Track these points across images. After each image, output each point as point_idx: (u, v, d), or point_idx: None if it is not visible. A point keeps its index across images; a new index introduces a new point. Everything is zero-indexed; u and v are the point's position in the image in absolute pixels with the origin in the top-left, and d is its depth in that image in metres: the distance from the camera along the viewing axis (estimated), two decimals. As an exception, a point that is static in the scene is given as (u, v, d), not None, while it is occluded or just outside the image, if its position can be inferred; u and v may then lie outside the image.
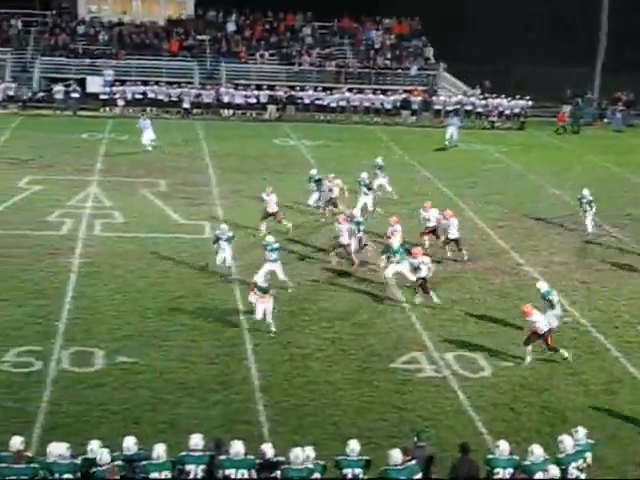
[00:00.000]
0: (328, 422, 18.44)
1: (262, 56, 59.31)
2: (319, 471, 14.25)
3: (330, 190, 31.97)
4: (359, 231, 27.88)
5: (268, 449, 14.52)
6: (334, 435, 17.59)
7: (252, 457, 14.33)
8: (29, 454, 14.33)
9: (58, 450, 13.95)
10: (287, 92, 55.35)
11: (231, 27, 61.58)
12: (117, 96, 53.15)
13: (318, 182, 32.42)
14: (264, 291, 22.51)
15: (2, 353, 20.65)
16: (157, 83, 54.46)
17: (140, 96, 53.85)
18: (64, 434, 16.43)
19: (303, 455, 14.14)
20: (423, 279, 24.61)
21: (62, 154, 40.99)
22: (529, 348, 21.38)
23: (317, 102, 55.44)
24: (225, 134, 48.15)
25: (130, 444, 14.34)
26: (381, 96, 56.01)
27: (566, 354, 21.43)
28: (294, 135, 48.62)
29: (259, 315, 22.41)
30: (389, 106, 55.86)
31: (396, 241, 26.11)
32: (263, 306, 22.43)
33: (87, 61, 56.26)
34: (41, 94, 53.77)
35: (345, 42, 62.21)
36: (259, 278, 22.80)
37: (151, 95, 53.97)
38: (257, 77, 57.42)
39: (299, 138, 47.72)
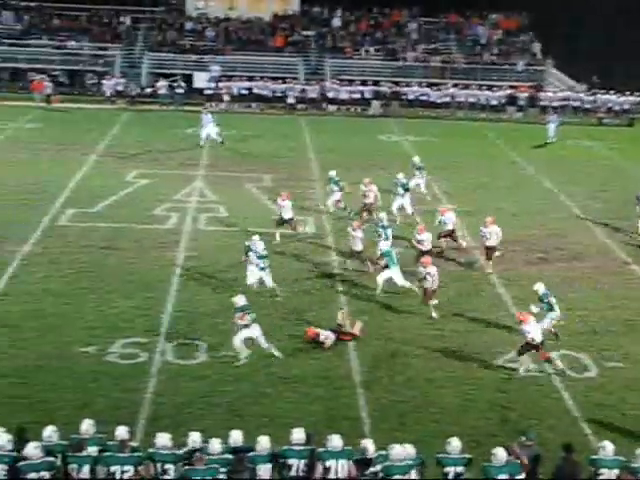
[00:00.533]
0: (429, 419, 18.36)
1: (367, 51, 59.30)
2: (418, 464, 14.13)
3: (365, 195, 31.11)
4: (384, 235, 26.50)
5: (369, 445, 14.49)
6: (435, 433, 17.45)
7: (350, 447, 14.33)
8: (134, 444, 14.54)
9: (162, 441, 14.17)
10: (392, 88, 55.24)
11: (336, 22, 61.74)
12: (223, 91, 53.71)
13: (337, 183, 31.82)
14: (244, 310, 20.46)
15: (109, 344, 21.05)
16: (262, 79, 54.85)
17: (245, 92, 54.39)
18: (167, 425, 16.68)
19: (404, 453, 14.05)
20: (426, 289, 23.61)
21: (168, 148, 41.51)
22: (524, 357, 20.50)
23: (422, 98, 55.27)
24: (329, 129, 48.24)
25: (237, 438, 14.44)
26: (487, 92, 55.63)
27: (560, 365, 20.55)
28: (398, 131, 48.45)
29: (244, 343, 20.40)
30: (495, 102, 55.42)
31: (385, 244, 25.07)
32: (249, 332, 20.32)
33: (194, 57, 56.97)
34: (149, 89, 54.59)
35: (451, 37, 61.83)
36: (240, 299, 20.71)
37: (256, 91, 54.44)
38: (362, 73, 57.40)
39: (404, 134, 47.52)
